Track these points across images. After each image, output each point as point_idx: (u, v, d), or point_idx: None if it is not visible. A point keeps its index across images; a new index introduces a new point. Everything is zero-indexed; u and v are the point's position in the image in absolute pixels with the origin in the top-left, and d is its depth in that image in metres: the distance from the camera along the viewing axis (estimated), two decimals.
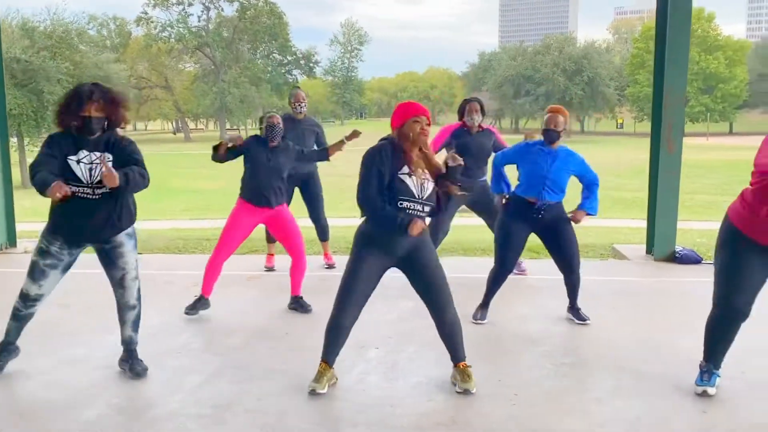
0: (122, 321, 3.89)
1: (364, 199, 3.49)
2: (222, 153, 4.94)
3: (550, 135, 4.64)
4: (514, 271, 6.31)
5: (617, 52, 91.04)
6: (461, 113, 5.96)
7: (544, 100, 67.92)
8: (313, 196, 6.58)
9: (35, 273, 3.72)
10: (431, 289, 3.60)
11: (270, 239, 6.55)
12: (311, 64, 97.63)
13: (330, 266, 6.65)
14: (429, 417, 3.39)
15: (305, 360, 4.02)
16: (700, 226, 11.89)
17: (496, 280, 4.91)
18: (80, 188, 3.56)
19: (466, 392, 3.57)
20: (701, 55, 65.54)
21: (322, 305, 4.67)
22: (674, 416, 3.39)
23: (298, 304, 5.18)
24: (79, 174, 3.56)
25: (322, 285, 5.66)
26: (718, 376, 3.65)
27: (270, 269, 6.56)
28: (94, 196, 3.61)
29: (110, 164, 3.51)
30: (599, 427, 3.27)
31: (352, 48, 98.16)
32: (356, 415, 3.41)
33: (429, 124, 3.50)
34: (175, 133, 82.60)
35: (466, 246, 7.91)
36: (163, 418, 3.38)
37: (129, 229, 3.79)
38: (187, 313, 4.92)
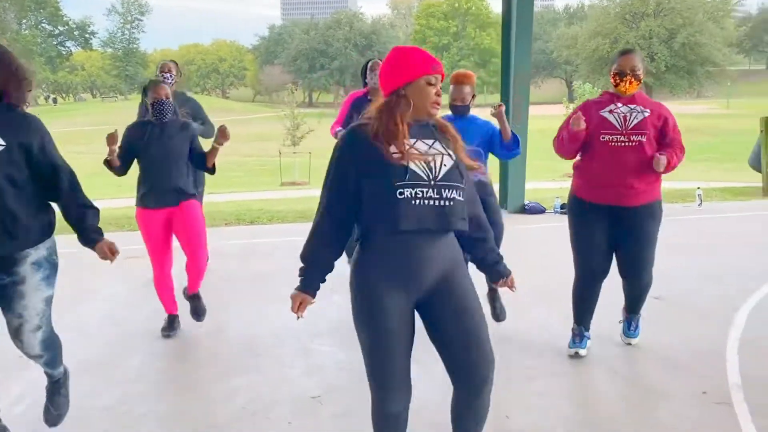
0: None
1: (317, 222, 2.32)
2: (117, 166, 4.05)
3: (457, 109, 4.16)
4: None
5: (399, 27, 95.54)
6: (363, 76, 5.26)
7: (338, 74, 69.93)
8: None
9: None
10: (461, 345, 2.29)
11: None
12: (87, 35, 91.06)
13: None
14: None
15: None
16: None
17: None
18: None
19: None
20: (476, 32, 71.33)
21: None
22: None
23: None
24: None
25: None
26: (589, 339, 3.95)
27: None
28: None
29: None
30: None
31: (132, 18, 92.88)
32: None
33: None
34: None
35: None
36: (209, 355, 3.97)
37: (37, 253, 2.69)
38: (166, 336, 4.32)
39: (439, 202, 2.21)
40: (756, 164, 10.16)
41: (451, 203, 2.22)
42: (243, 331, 4.42)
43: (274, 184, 21.73)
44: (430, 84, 2.25)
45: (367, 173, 2.20)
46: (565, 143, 3.71)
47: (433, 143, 2.28)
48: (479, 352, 2.27)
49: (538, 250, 6.57)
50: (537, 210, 8.39)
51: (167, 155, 4.09)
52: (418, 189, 2.18)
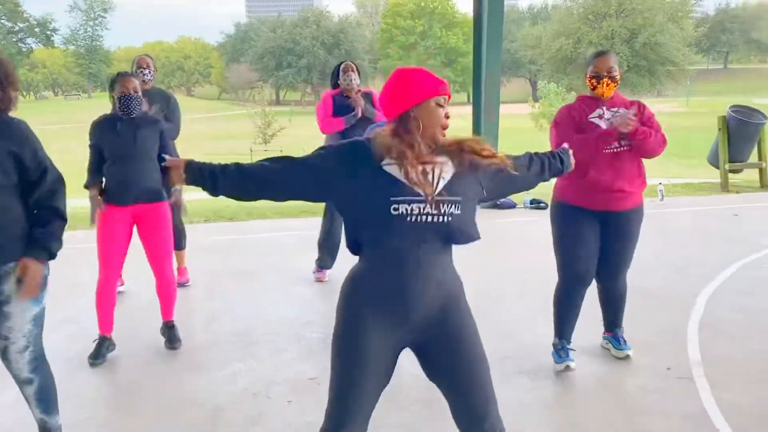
0: (25, 397, 2.79)
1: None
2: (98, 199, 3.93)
3: None
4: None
5: (366, 26, 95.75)
6: (335, 78, 5.36)
7: (306, 72, 69.96)
8: None
9: None
10: (463, 384, 2.20)
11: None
12: (48, 32, 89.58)
13: (182, 284, 5.29)
14: None
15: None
16: None
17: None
18: None
19: None
20: (442, 31, 71.91)
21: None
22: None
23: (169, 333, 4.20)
24: None
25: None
26: (573, 350, 3.81)
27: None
28: None
29: None
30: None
31: (95, 15, 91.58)
32: None
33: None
34: None
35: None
36: (206, 343, 4.19)
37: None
38: (93, 365, 3.90)
39: (438, 218, 2.07)
40: (714, 161, 10.64)
41: (450, 218, 2.08)
42: (236, 321, 4.62)
43: None
44: (439, 105, 2.14)
45: (362, 185, 2.07)
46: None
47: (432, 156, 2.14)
48: (479, 394, 2.18)
49: (516, 243, 6.89)
50: (508, 205, 8.70)
51: (136, 153, 3.88)
52: (414, 205, 2.04)
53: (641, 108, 3.66)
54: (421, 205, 2.05)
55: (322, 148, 2.21)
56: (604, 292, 3.87)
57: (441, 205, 2.06)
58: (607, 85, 3.55)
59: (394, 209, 2.03)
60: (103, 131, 3.93)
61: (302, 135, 37.19)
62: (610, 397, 3.45)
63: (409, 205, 2.04)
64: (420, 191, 2.04)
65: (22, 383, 2.72)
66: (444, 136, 2.16)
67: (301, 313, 4.74)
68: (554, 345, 3.84)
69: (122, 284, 5.23)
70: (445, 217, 2.07)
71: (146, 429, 3.22)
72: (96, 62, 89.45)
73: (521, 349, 4.05)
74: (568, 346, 3.81)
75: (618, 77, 3.60)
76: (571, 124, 3.60)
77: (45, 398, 2.77)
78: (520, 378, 3.67)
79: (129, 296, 5.13)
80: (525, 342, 4.17)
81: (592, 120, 3.57)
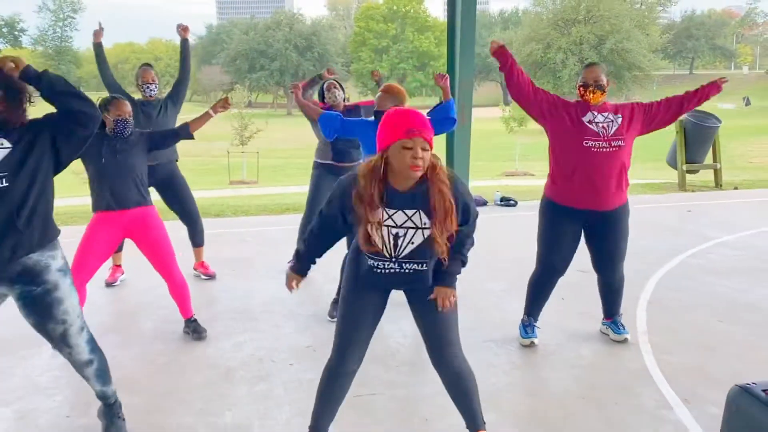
0: (83, 376, 3.01)
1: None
2: None
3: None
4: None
5: (338, 29, 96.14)
6: (322, 96, 5.53)
7: (278, 75, 70.17)
8: (179, 195, 5.56)
9: None
10: (433, 326, 2.72)
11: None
12: (16, 33, 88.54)
13: (211, 276, 5.75)
14: None
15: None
16: None
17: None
18: None
19: None
20: (415, 35, 72.55)
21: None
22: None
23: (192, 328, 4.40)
24: None
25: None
26: (538, 328, 4.27)
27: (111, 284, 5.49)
28: None
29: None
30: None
31: (64, 15, 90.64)
32: None
33: (428, 148, 2.38)
34: None
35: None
36: (209, 319, 4.65)
37: (57, 262, 2.78)
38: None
39: (401, 270, 2.56)
40: (673, 162, 11.33)
41: (411, 272, 2.57)
42: (234, 301, 5.10)
43: (222, 183, 22.15)
44: (405, 148, 2.31)
45: (352, 220, 2.53)
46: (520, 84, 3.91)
47: (413, 214, 2.42)
48: (445, 334, 2.70)
49: (487, 235, 7.42)
50: (480, 202, 9.28)
51: (125, 173, 4.06)
52: (379, 262, 2.55)
53: (639, 105, 4.00)
54: (386, 262, 2.55)
55: (331, 195, 2.61)
56: (604, 284, 4.24)
57: (404, 264, 2.55)
58: (593, 93, 3.84)
59: (367, 259, 2.59)
60: (90, 149, 3.84)
61: (278, 138, 37.57)
62: (568, 358, 4.03)
63: (375, 261, 2.56)
64: (383, 249, 2.50)
65: (83, 366, 2.92)
66: (417, 171, 2.35)
67: (296, 294, 5.21)
68: (523, 321, 4.27)
69: (122, 273, 5.65)
70: (408, 270, 2.57)
71: (172, 384, 3.70)
72: (65, 63, 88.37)
73: (490, 323, 4.60)
74: (535, 324, 4.26)
75: (605, 86, 3.87)
76: (554, 105, 3.91)
77: (103, 374, 3.02)
78: (489, 345, 4.22)
79: (132, 283, 5.55)
80: (493, 317, 4.72)
81: (583, 120, 3.85)
